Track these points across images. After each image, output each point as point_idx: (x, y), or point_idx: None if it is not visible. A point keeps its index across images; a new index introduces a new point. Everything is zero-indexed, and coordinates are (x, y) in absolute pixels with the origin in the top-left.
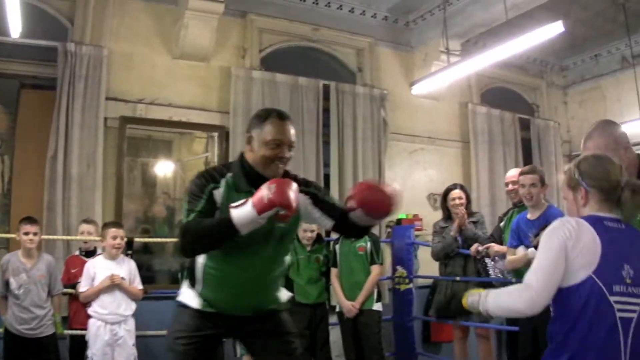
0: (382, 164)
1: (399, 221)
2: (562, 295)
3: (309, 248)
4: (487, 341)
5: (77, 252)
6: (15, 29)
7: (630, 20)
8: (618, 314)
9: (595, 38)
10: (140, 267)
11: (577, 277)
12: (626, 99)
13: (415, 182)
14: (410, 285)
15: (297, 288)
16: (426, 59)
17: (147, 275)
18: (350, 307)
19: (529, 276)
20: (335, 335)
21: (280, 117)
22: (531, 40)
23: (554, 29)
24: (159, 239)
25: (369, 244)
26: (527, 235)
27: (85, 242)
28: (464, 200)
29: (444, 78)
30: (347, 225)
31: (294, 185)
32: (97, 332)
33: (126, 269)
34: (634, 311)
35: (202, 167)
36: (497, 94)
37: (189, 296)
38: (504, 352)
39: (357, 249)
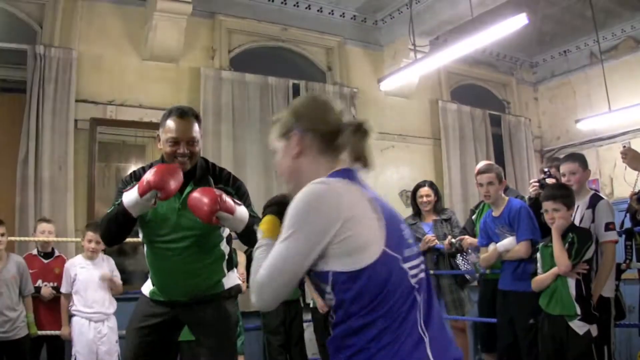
0: None
1: None
2: (359, 277)
3: None
4: (463, 334)
5: (34, 252)
6: None
7: (598, 16)
8: (412, 280)
9: (563, 34)
10: None
11: (370, 254)
12: (595, 94)
13: (387, 179)
14: None
15: None
16: (395, 56)
17: (121, 277)
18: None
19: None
20: (311, 333)
21: (180, 115)
22: (496, 34)
23: (519, 21)
24: (132, 239)
25: None
26: (494, 232)
27: (46, 242)
28: (432, 198)
29: (412, 73)
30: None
31: (178, 173)
32: (81, 330)
33: (105, 268)
34: (421, 270)
35: None
36: (468, 91)
37: (146, 285)
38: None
39: None
